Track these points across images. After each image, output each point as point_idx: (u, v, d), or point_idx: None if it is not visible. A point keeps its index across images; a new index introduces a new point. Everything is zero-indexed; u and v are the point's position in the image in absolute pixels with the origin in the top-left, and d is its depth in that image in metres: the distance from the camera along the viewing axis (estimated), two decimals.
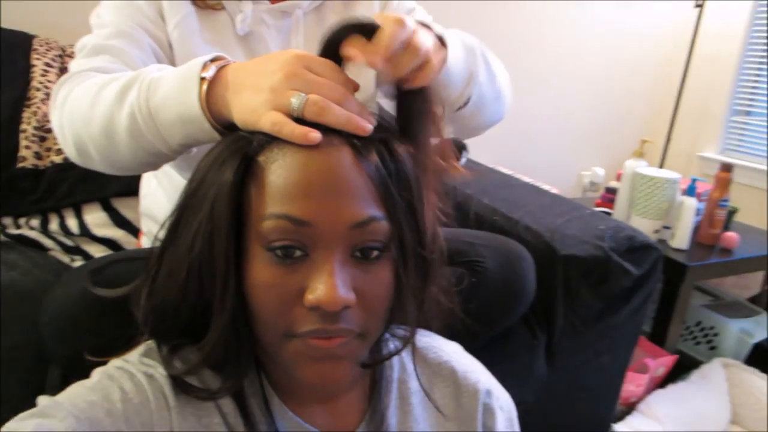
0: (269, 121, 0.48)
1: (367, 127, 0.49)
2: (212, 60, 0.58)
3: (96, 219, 1.34)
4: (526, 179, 2.10)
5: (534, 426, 0.67)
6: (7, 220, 1.30)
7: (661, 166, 2.47)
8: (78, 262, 1.29)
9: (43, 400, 0.47)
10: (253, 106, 0.50)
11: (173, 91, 0.59)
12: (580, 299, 1.15)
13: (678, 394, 1.58)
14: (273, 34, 0.89)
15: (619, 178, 1.93)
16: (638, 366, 1.58)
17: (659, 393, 1.59)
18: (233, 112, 0.53)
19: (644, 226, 1.73)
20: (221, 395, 0.51)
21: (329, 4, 0.93)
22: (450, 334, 0.66)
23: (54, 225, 1.32)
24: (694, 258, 1.66)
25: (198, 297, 0.49)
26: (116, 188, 1.35)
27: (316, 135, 0.46)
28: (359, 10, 0.95)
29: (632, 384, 1.55)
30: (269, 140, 0.48)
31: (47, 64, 1.39)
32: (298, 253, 0.46)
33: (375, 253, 0.48)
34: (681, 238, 1.70)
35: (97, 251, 1.31)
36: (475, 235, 1.05)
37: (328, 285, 0.44)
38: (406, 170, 0.50)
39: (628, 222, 1.80)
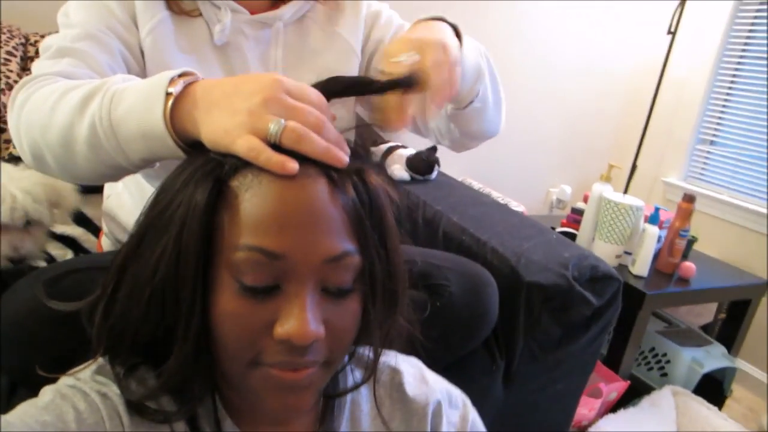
0: (245, 145, 0.46)
1: (344, 159, 0.48)
2: (180, 75, 0.57)
3: None
4: (495, 194, 2.12)
5: None
6: None
7: (626, 188, 2.52)
8: None
9: None
10: (226, 126, 0.49)
11: (137, 104, 0.57)
12: (541, 326, 1.16)
13: (628, 420, 1.62)
14: (251, 45, 0.87)
15: (586, 199, 1.96)
16: (592, 390, 1.61)
17: (610, 418, 1.62)
18: (202, 131, 0.52)
19: (607, 250, 1.77)
20: (177, 419, 0.50)
21: (312, 16, 0.92)
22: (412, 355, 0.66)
23: None
24: (652, 286, 1.70)
25: (159, 321, 0.48)
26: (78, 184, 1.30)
27: (293, 165, 0.45)
28: (342, 22, 0.93)
29: (585, 408, 1.58)
30: (242, 165, 0.47)
31: (9, 53, 1.33)
32: (270, 283, 0.45)
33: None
34: (641, 265, 1.74)
35: (55, 248, 1.26)
36: (441, 258, 1.05)
37: (300, 319, 0.44)
38: (380, 203, 0.50)
39: (591, 245, 1.84)
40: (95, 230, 1.28)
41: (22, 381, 0.77)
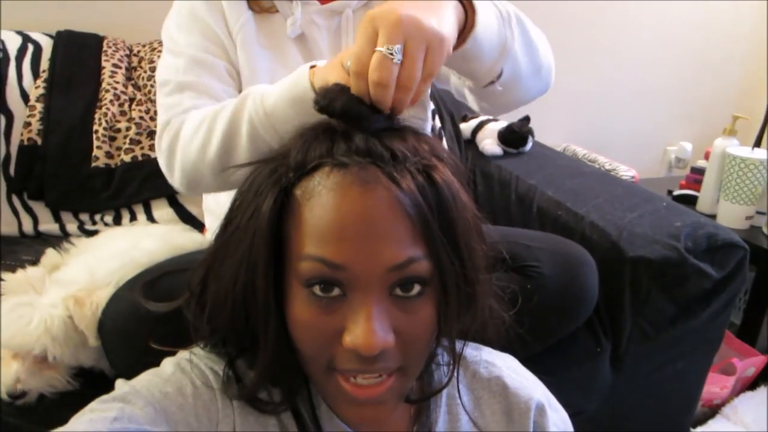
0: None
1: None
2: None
3: (163, 215, 1.39)
4: (602, 159, 1.96)
5: None
6: (84, 217, 1.38)
7: (758, 140, 2.24)
8: None
9: (121, 385, 0.51)
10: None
11: (285, 86, 0.64)
12: (651, 303, 1.06)
13: None
14: (324, 35, 0.89)
15: (707, 156, 1.77)
16: (724, 366, 1.47)
17: (747, 396, 1.47)
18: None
19: (735, 212, 1.60)
20: (282, 410, 0.53)
21: None
22: (504, 343, 0.63)
23: (126, 220, 1.39)
24: None
25: (246, 325, 0.50)
26: None
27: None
28: None
29: (716, 386, 1.44)
30: (306, 173, 0.47)
31: (115, 65, 1.44)
32: (336, 291, 0.45)
33: (416, 288, 0.46)
34: None
35: None
36: (532, 237, 0.99)
37: (366, 329, 0.44)
38: (448, 201, 0.47)
39: (715, 208, 1.67)
40: (199, 226, 1.36)
41: (128, 377, 0.84)
